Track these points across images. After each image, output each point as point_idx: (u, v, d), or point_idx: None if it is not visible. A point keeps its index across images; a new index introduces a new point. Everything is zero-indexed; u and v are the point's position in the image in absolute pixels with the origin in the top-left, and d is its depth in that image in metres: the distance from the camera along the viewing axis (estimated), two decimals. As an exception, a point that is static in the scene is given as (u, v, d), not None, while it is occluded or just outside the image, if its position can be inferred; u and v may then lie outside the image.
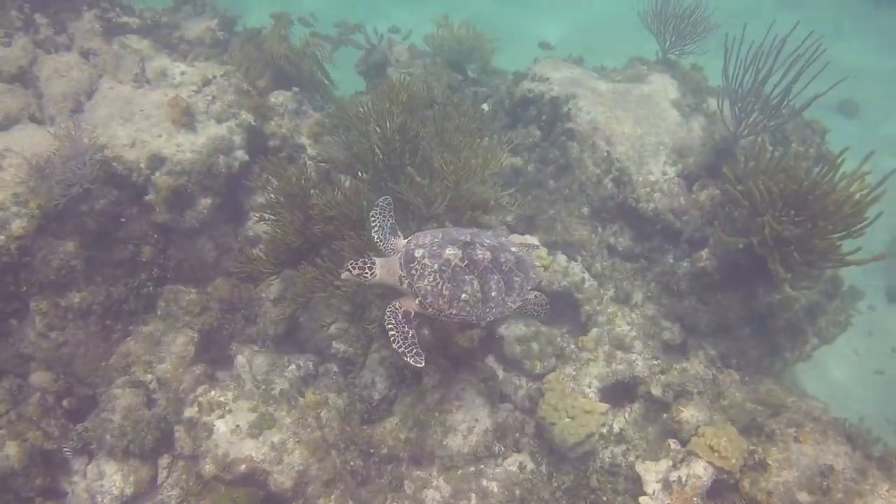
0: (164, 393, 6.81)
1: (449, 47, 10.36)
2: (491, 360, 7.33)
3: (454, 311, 5.14)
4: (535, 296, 5.62)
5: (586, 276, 7.64)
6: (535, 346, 7.17)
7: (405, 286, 5.21)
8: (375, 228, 5.47)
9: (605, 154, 7.89)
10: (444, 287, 5.08)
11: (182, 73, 8.06)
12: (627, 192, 7.74)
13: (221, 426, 6.23)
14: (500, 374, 7.22)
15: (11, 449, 6.00)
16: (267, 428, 6.21)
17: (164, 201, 6.92)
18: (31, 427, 6.32)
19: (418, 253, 5.14)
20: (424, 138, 6.55)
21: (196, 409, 6.39)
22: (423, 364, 5.07)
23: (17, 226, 6.40)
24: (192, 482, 6.36)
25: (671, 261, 7.80)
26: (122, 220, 6.97)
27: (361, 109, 6.62)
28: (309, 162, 7.47)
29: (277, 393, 6.62)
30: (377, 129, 6.42)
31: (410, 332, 5.14)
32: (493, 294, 5.18)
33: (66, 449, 6.48)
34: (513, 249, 5.42)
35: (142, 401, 6.65)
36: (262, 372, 7.04)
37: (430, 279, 5.09)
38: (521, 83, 8.69)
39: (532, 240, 7.43)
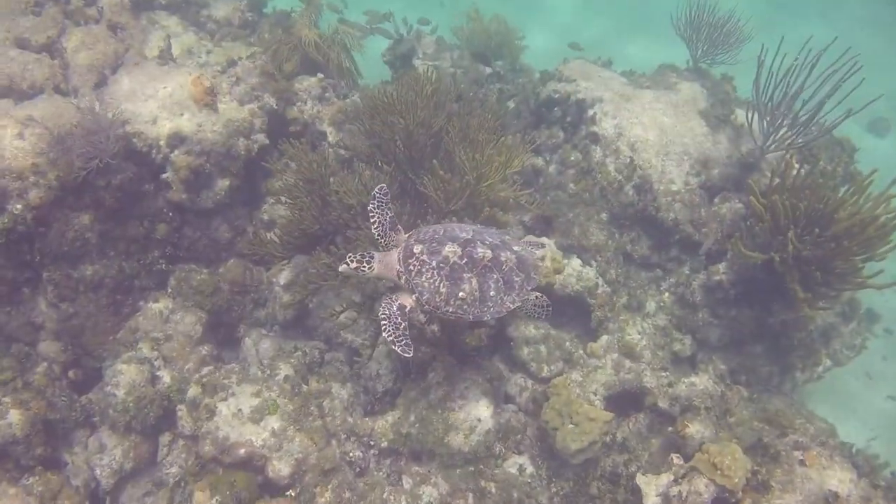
0: (169, 371, 6.83)
1: (478, 41, 10.25)
2: (497, 360, 7.28)
3: (451, 309, 5.10)
4: (536, 296, 5.54)
5: (600, 281, 7.56)
6: (543, 349, 7.12)
7: (403, 282, 5.17)
8: (374, 224, 5.39)
9: (629, 160, 7.79)
10: (442, 284, 5.03)
11: (208, 53, 8.05)
12: (648, 200, 7.65)
13: (224, 409, 6.23)
14: (506, 374, 7.17)
15: (15, 417, 6.03)
16: (269, 413, 6.20)
17: (181, 180, 6.91)
18: (36, 396, 6.35)
19: (417, 249, 5.10)
20: (449, 132, 6.50)
21: (200, 389, 6.40)
22: (412, 354, 5.04)
23: (34, 196, 6.41)
24: (191, 462, 6.38)
25: (687, 272, 7.72)
26: (147, 189, 6.95)
27: (386, 99, 6.56)
28: (329, 149, 7.45)
29: (282, 379, 6.60)
30: (401, 120, 6.37)
31: (403, 324, 5.10)
32: (492, 293, 5.12)
33: (62, 397, 6.48)
34: (515, 248, 5.34)
35: (146, 377, 6.65)
36: (268, 356, 7.04)
37: (428, 276, 5.05)
38: (548, 83, 8.60)
39: (546, 241, 7.34)
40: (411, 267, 5.08)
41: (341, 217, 6.26)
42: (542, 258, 7.04)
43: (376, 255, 5.23)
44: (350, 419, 6.54)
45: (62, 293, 6.86)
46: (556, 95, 8.38)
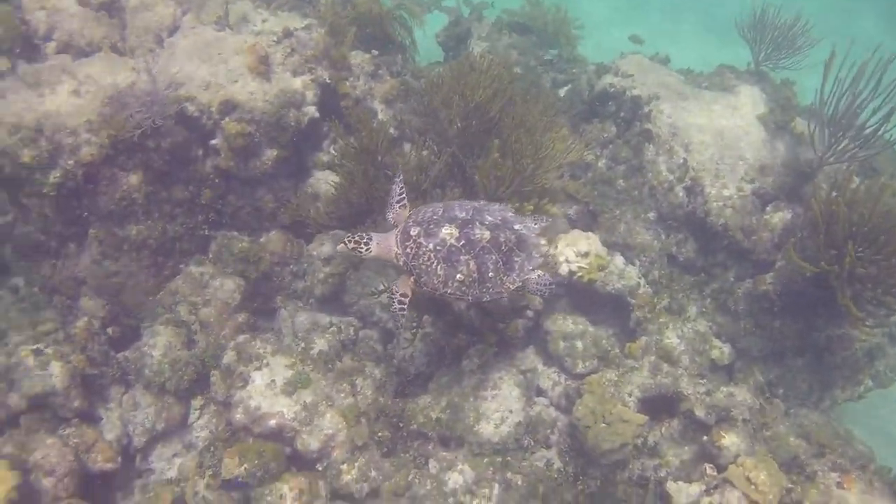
0: (205, 336, 6.87)
1: (534, 26, 10.05)
2: (532, 352, 7.21)
3: (449, 291, 5.09)
4: (539, 275, 5.41)
5: (642, 281, 7.43)
6: (579, 344, 7.03)
7: (401, 263, 5.17)
8: (396, 199, 5.40)
9: (682, 161, 7.61)
10: (439, 267, 5.02)
11: (263, 21, 7.97)
12: (699, 204, 7.47)
13: (257, 378, 6.24)
14: (540, 367, 7.10)
15: (56, 369, 6.10)
16: (302, 387, 6.20)
17: (230, 147, 6.90)
18: (76, 350, 6.43)
19: (414, 231, 5.08)
20: (507, 116, 6.39)
21: (235, 356, 6.42)
22: (404, 320, 5.26)
23: (85, 152, 6.46)
24: (221, 427, 6.43)
25: (732, 279, 7.55)
26: (196, 154, 6.98)
27: (449, 77, 6.45)
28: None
29: (316, 353, 6.60)
30: (461, 100, 6.26)
31: (403, 312, 5.19)
32: (490, 275, 5.09)
33: (100, 353, 6.56)
34: (517, 227, 5.26)
35: (183, 340, 6.71)
36: (303, 329, 7.04)
37: (425, 258, 5.03)
38: (604, 76, 8.42)
39: (591, 236, 7.18)
40: (409, 250, 5.07)
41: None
42: (586, 254, 6.93)
43: (375, 236, 5.23)
44: (381, 399, 6.52)
45: (106, 251, 6.93)
46: (612, 90, 8.20)
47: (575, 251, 6.93)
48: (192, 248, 7.27)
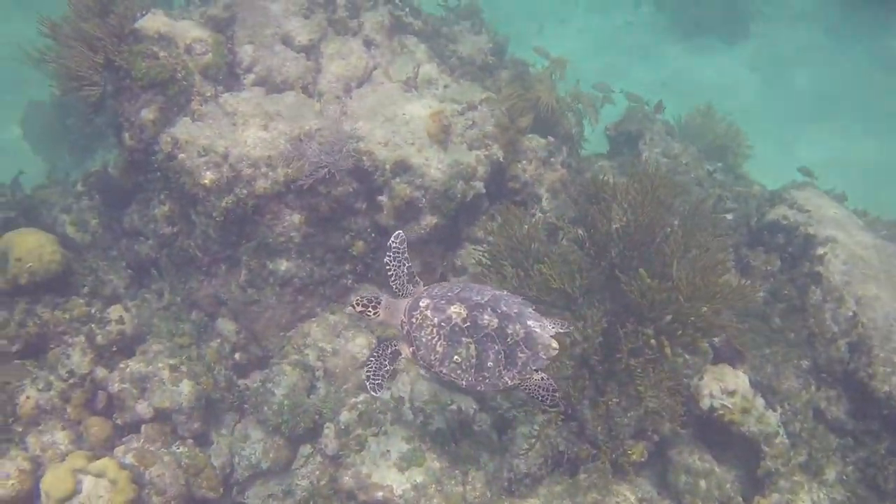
0: (327, 385, 6.87)
1: (704, 139, 9.85)
2: (646, 477, 6.79)
3: (444, 371, 4.86)
4: (542, 378, 4.98)
5: (781, 431, 6.90)
6: (702, 483, 6.57)
7: (404, 332, 5.03)
8: (391, 276, 5.27)
9: (851, 315, 7.09)
10: (439, 344, 4.80)
11: (445, 87, 8.14)
12: (862, 364, 6.92)
13: (373, 445, 6.15)
14: (654, 496, 6.67)
15: (186, 388, 6.24)
16: (416, 465, 6.05)
17: (394, 207, 6.97)
18: (206, 372, 6.57)
19: (423, 303, 4.92)
20: (669, 238, 6.14)
21: (355, 416, 6.36)
22: (379, 395, 5.13)
23: (260, 185, 6.70)
24: (324, 482, 6.34)
25: (883, 452, 6.90)
26: (359, 207, 7.11)
27: (611, 191, 6.28)
28: (540, 215, 7.28)
29: (434, 430, 6.45)
30: (621, 214, 6.08)
31: (387, 367, 5.12)
32: (490, 364, 4.79)
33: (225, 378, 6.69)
34: (530, 323, 4.91)
35: (306, 385, 6.74)
36: (421, 399, 6.91)
37: (427, 332, 4.84)
38: (777, 207, 8.04)
39: (741, 375, 6.75)
40: (414, 319, 4.93)
41: (538, 297, 6.02)
42: (733, 392, 6.51)
43: (384, 300, 5.13)
44: (488, 493, 6.27)
45: (253, 279, 7.12)
46: (784, 222, 7.82)
47: (721, 387, 6.54)
48: (332, 295, 7.35)
